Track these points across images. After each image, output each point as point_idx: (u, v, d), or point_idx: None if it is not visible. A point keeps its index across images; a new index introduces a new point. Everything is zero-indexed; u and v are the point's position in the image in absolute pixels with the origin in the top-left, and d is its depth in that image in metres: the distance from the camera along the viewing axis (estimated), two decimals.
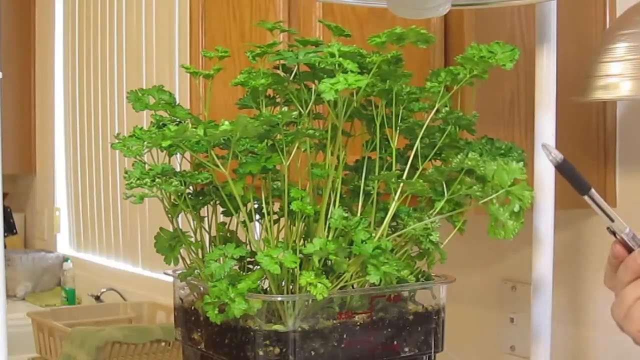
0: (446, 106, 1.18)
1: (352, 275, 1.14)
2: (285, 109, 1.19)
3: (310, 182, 1.18)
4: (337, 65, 1.07)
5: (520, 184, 1.08)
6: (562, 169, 0.90)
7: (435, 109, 1.18)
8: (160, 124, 1.21)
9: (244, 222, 1.18)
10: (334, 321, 1.15)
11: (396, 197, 1.15)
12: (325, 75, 1.11)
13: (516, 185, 1.08)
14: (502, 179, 1.08)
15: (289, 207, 1.14)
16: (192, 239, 1.23)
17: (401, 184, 1.14)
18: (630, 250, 0.87)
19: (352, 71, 1.06)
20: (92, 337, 2.23)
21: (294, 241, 1.17)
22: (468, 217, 1.20)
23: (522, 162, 1.18)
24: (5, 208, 3.70)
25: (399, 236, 1.17)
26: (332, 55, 1.07)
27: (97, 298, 3.26)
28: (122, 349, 2.27)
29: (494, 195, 1.09)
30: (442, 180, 1.13)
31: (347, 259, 1.12)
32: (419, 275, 1.22)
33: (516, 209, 1.08)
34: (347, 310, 1.16)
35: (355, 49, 1.11)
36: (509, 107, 1.39)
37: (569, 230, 1.57)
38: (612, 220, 0.88)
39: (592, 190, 0.87)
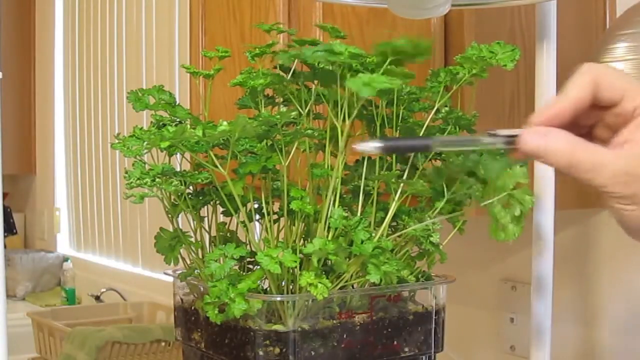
0: (446, 106, 1.18)
1: (352, 275, 1.14)
2: (284, 109, 1.19)
3: (310, 182, 1.18)
4: (347, 66, 1.06)
5: (522, 187, 1.08)
6: (393, 148, 0.81)
7: (435, 108, 1.18)
8: (160, 124, 1.21)
9: (243, 222, 1.18)
10: (334, 321, 1.15)
11: (396, 197, 1.15)
12: (326, 76, 1.11)
13: (518, 189, 1.08)
14: (505, 183, 1.08)
15: (288, 207, 1.14)
16: (192, 239, 1.23)
17: (401, 184, 1.14)
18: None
19: (361, 72, 1.05)
20: (92, 337, 2.23)
21: (294, 241, 1.17)
22: (468, 217, 1.20)
23: (525, 167, 1.18)
24: (5, 208, 3.70)
25: (399, 236, 1.17)
26: (341, 54, 1.06)
27: (97, 298, 3.27)
28: (122, 349, 2.27)
29: (495, 198, 1.09)
30: (442, 181, 1.13)
31: (347, 259, 1.12)
32: (419, 275, 1.22)
33: (517, 213, 1.08)
34: (347, 310, 1.16)
35: (359, 50, 1.11)
36: (509, 107, 1.39)
37: (569, 230, 1.57)
38: (478, 140, 0.79)
39: (433, 140, 0.78)
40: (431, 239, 1.15)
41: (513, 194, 1.08)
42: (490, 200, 1.09)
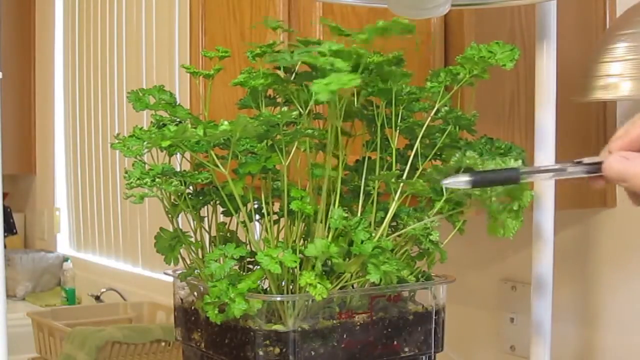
0: (446, 106, 1.18)
1: (352, 275, 1.14)
2: (285, 109, 1.19)
3: (310, 182, 1.18)
4: (330, 65, 1.06)
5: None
6: (482, 182, 0.86)
7: (435, 109, 1.18)
8: (161, 124, 1.21)
9: (244, 222, 1.18)
10: (334, 321, 1.15)
11: (396, 197, 1.15)
12: (325, 76, 1.11)
13: (515, 185, 1.08)
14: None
15: (288, 207, 1.14)
16: (192, 239, 1.23)
17: (401, 184, 1.14)
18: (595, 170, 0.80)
19: (343, 70, 1.05)
20: (92, 337, 2.23)
21: (294, 241, 1.17)
22: (468, 217, 1.20)
23: (520, 161, 1.18)
24: (5, 208, 3.70)
25: (398, 236, 1.17)
26: (323, 54, 1.06)
27: (97, 298, 3.26)
28: (122, 349, 2.27)
29: (492, 195, 1.09)
30: (441, 179, 1.13)
31: (347, 259, 1.12)
32: (419, 275, 1.22)
33: (515, 207, 1.08)
34: (347, 310, 1.16)
35: (351, 48, 1.11)
36: (509, 107, 1.39)
37: (569, 230, 1.57)
38: (564, 170, 0.82)
39: (520, 171, 0.82)
40: (431, 237, 1.15)
41: (510, 190, 1.08)
42: (487, 197, 1.09)
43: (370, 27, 1.09)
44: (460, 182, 0.79)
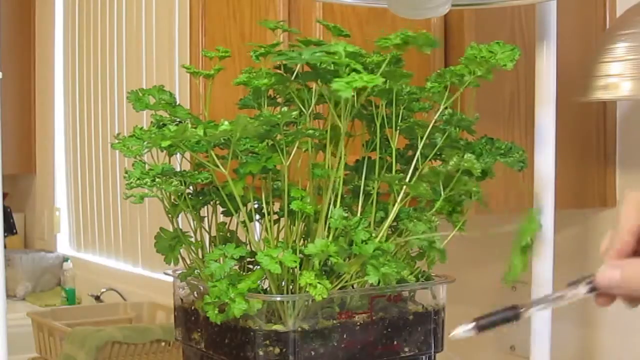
0: (446, 107, 1.18)
1: (352, 276, 1.14)
2: (285, 109, 1.19)
3: (311, 182, 1.18)
4: (345, 66, 1.06)
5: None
6: (485, 327, 0.89)
7: (440, 111, 1.17)
8: (160, 124, 1.21)
9: (244, 222, 1.18)
10: (334, 321, 1.15)
11: (399, 199, 1.15)
12: (328, 75, 1.11)
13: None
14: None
15: (289, 207, 1.14)
16: (192, 239, 1.23)
17: (404, 186, 1.14)
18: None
19: (358, 71, 1.05)
20: (92, 337, 2.23)
21: (294, 241, 1.17)
22: (468, 217, 1.20)
23: (522, 163, 1.19)
24: (5, 208, 3.70)
25: (399, 236, 1.17)
26: (339, 55, 1.06)
27: (97, 298, 3.26)
28: (122, 349, 2.27)
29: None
30: (439, 181, 1.13)
31: (347, 259, 1.12)
32: (419, 275, 1.22)
33: (523, 243, 1.10)
34: (347, 310, 1.16)
35: (358, 49, 1.11)
36: (509, 107, 1.38)
37: (569, 230, 1.57)
38: (562, 297, 0.85)
39: (520, 310, 0.85)
40: (434, 245, 1.16)
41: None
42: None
43: (400, 35, 1.09)
44: (465, 331, 0.84)
